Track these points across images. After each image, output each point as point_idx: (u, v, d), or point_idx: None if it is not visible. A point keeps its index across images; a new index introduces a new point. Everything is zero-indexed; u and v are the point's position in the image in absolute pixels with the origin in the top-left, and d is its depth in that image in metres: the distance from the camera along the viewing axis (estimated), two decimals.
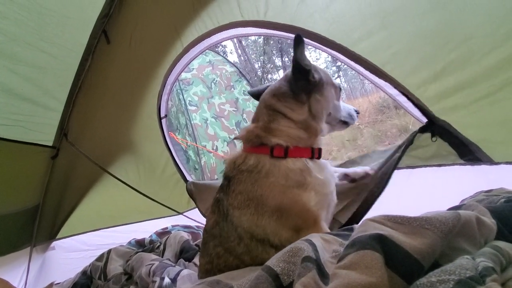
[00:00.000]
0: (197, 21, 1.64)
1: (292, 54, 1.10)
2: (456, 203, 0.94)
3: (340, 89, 1.25)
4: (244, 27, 1.55)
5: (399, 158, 1.26)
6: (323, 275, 0.60)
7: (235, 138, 1.20)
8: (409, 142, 1.28)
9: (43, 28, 1.40)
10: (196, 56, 1.92)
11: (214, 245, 1.07)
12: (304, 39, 1.37)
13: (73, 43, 1.60)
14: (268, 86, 1.28)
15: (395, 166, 1.25)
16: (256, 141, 1.09)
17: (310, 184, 1.02)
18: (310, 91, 1.12)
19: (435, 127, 1.23)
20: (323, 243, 0.73)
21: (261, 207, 0.98)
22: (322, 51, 1.43)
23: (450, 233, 0.57)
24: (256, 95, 1.35)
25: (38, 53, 1.45)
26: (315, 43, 1.36)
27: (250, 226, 0.99)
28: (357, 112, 1.30)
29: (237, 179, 1.06)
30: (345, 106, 1.28)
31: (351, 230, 0.82)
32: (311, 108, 1.11)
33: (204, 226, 1.21)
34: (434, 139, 1.24)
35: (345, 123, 1.28)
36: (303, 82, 1.11)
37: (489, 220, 0.64)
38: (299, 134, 1.09)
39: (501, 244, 0.60)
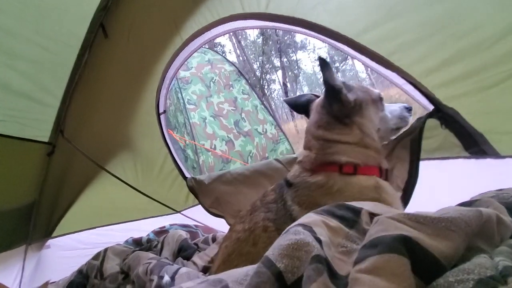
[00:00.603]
0: (196, 14, 1.61)
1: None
2: (460, 197, 0.90)
3: (381, 98, 1.18)
4: (245, 19, 1.52)
5: (419, 139, 1.23)
6: (333, 276, 0.56)
7: (297, 163, 1.13)
8: (422, 124, 1.24)
9: (40, 22, 1.38)
10: (196, 50, 1.89)
11: (266, 217, 1.03)
12: (307, 31, 1.36)
13: (70, 37, 1.57)
14: (304, 96, 1.26)
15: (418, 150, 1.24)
16: (318, 162, 1.05)
17: (385, 201, 0.97)
18: (349, 114, 1.07)
19: (442, 114, 1.19)
20: (328, 233, 0.67)
21: None
22: (326, 43, 1.40)
23: (472, 234, 0.54)
24: (293, 105, 1.32)
25: (35, 47, 1.42)
26: (319, 35, 1.33)
27: None
28: (409, 109, 1.22)
29: (303, 186, 1.03)
30: (393, 109, 1.20)
31: (356, 212, 0.75)
32: (361, 127, 1.07)
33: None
34: (443, 126, 1.21)
35: (397, 129, 1.23)
36: (338, 105, 1.07)
37: (507, 218, 0.60)
38: (364, 152, 1.05)
39: None
